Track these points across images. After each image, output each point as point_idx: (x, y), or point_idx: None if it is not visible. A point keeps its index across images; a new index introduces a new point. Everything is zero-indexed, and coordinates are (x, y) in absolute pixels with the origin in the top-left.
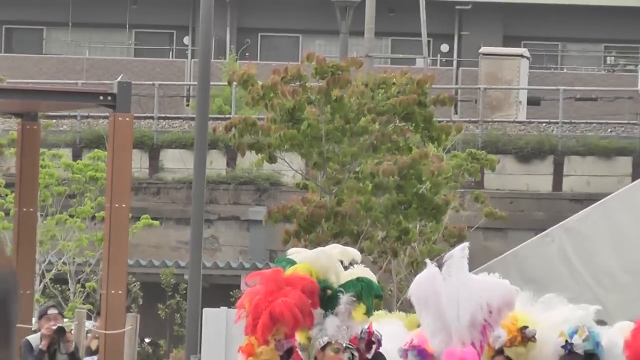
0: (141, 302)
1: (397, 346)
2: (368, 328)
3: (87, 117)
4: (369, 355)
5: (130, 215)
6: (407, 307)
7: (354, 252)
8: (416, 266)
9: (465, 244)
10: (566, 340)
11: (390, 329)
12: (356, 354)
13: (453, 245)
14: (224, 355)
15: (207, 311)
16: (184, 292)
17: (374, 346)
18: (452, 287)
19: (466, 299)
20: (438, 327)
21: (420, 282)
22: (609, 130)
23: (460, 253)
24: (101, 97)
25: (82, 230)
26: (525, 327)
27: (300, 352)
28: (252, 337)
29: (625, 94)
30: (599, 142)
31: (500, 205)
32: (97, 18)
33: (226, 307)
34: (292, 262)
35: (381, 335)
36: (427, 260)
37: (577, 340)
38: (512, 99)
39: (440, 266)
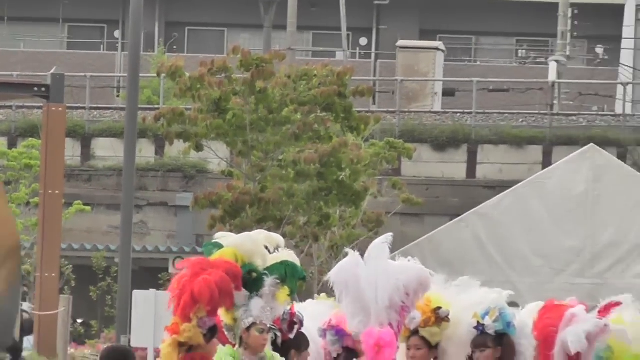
0: (74, 285)
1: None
2: (290, 309)
3: (22, 107)
4: (291, 336)
5: (63, 201)
6: (328, 289)
7: (278, 237)
8: (336, 250)
9: (389, 234)
10: (478, 322)
11: (317, 309)
12: (279, 334)
13: (371, 230)
14: (153, 334)
15: (136, 293)
16: (115, 274)
17: (296, 327)
18: (371, 271)
19: (384, 282)
20: (357, 309)
21: (341, 267)
22: (521, 120)
23: (382, 239)
24: (35, 89)
25: (18, 216)
26: (439, 308)
27: (226, 333)
28: (178, 317)
29: (536, 86)
30: (511, 132)
31: (417, 192)
32: (31, 13)
33: (155, 289)
34: (219, 246)
35: (303, 316)
36: (349, 249)
37: (488, 321)
38: (428, 90)
39: (361, 251)
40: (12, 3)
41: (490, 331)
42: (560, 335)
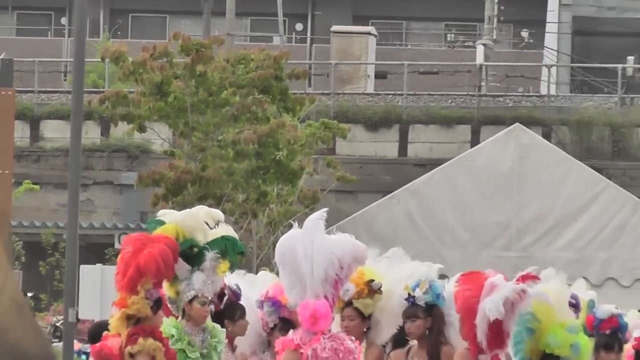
0: (24, 260)
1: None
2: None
3: None
4: (221, 306)
5: (13, 180)
6: (267, 263)
7: (218, 213)
8: (274, 226)
9: (325, 209)
10: (409, 293)
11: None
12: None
13: (308, 207)
14: (99, 307)
15: (83, 267)
16: (63, 250)
17: (225, 298)
18: (308, 245)
19: (319, 256)
20: (294, 281)
21: (282, 241)
22: (450, 101)
23: (318, 215)
24: None
25: None
26: (372, 281)
27: (169, 306)
28: (124, 291)
29: (464, 68)
30: (440, 112)
31: (351, 170)
32: None
33: (101, 264)
34: (162, 223)
35: (238, 288)
36: (294, 222)
37: (418, 293)
38: (361, 73)
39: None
40: None
41: (421, 302)
42: (480, 304)
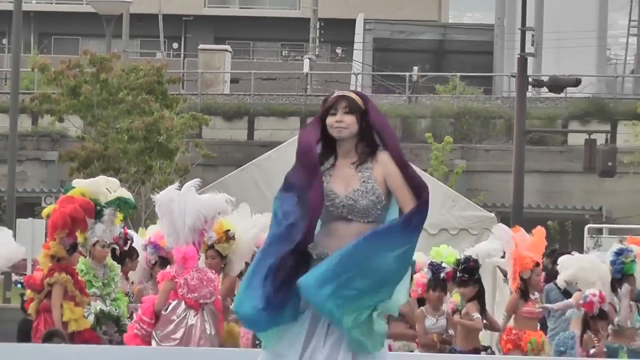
0: None
1: None
2: (124, 230)
3: None
4: (125, 248)
5: None
6: (151, 217)
7: (115, 181)
8: (157, 191)
9: (197, 179)
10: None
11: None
12: (117, 247)
13: (181, 177)
14: (31, 250)
15: (19, 221)
16: (4, 208)
17: (129, 242)
18: (182, 205)
19: (190, 212)
20: (171, 230)
21: (160, 196)
22: (284, 99)
23: (192, 182)
24: None
25: None
26: (228, 230)
27: (81, 249)
28: (49, 237)
29: (295, 76)
30: (278, 107)
31: (212, 149)
32: None
33: (32, 218)
34: (74, 188)
35: (133, 236)
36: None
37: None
38: (220, 79)
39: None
40: None
41: None
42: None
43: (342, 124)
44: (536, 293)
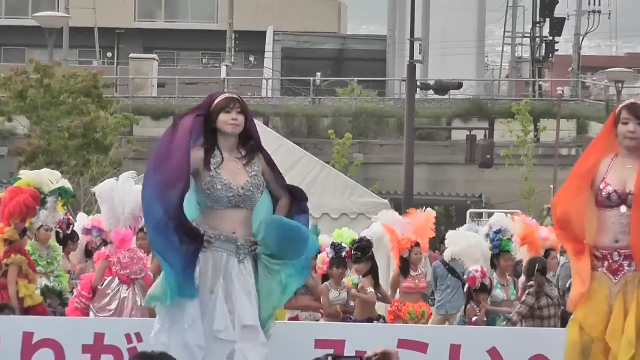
0: None
1: None
2: (67, 215)
3: None
4: (68, 232)
5: None
6: (90, 205)
7: (57, 174)
8: (95, 181)
9: (133, 172)
10: None
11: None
12: (60, 231)
13: (115, 169)
14: None
15: None
16: None
17: (71, 226)
18: (121, 193)
19: (129, 201)
20: (110, 216)
21: (102, 187)
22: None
23: (128, 175)
24: None
25: None
26: None
27: (28, 233)
28: (3, 223)
29: (214, 80)
30: None
31: (143, 145)
32: None
33: None
34: (21, 179)
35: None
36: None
37: None
38: (149, 84)
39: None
40: None
41: None
42: None
43: (237, 122)
44: (419, 269)
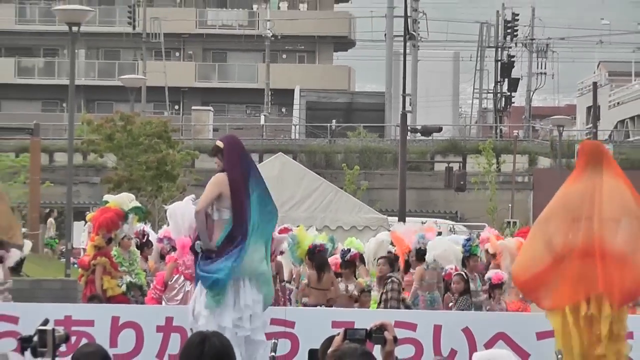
0: None
1: None
2: (143, 228)
3: None
4: (144, 240)
5: None
6: (162, 220)
7: (131, 196)
8: (166, 202)
9: (192, 195)
10: None
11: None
12: (137, 240)
13: (181, 193)
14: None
15: (75, 224)
16: (65, 214)
17: (146, 236)
18: (184, 212)
19: (188, 216)
20: (177, 228)
21: (172, 207)
22: (249, 142)
23: (189, 198)
24: None
25: None
26: None
27: (113, 242)
28: (94, 233)
29: (255, 127)
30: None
31: (201, 175)
32: None
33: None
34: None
35: (149, 232)
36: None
37: None
38: (206, 129)
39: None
40: None
41: None
42: None
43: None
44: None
